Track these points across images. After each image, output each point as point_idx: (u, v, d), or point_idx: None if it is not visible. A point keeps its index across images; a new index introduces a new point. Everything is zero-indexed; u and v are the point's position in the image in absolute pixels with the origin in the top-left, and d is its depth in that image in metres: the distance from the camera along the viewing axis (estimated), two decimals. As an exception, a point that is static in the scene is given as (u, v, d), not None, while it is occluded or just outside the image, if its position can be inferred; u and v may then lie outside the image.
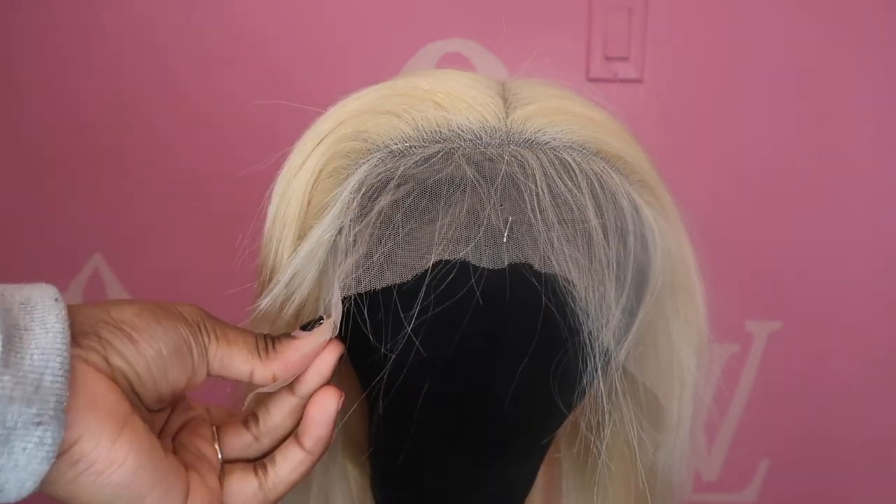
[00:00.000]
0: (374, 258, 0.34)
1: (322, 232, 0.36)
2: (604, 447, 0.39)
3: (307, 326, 0.34)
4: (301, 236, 0.37)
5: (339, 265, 0.35)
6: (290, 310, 0.37)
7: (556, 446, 0.45)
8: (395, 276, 0.33)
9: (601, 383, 0.35)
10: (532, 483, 0.42)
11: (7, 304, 0.26)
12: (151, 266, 1.02)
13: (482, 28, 0.97)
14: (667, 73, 0.98)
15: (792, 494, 1.05)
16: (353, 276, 0.34)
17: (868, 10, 0.96)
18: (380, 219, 0.34)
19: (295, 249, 0.37)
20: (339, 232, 0.35)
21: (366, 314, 0.35)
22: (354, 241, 0.34)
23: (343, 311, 0.34)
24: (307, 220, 0.37)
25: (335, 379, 0.40)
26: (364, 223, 0.34)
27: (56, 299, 0.27)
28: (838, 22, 0.96)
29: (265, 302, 0.37)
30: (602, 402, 0.36)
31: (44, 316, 0.26)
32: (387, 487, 0.41)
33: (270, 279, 0.38)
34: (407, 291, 0.33)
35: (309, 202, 0.37)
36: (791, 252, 1.00)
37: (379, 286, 0.34)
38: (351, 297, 0.34)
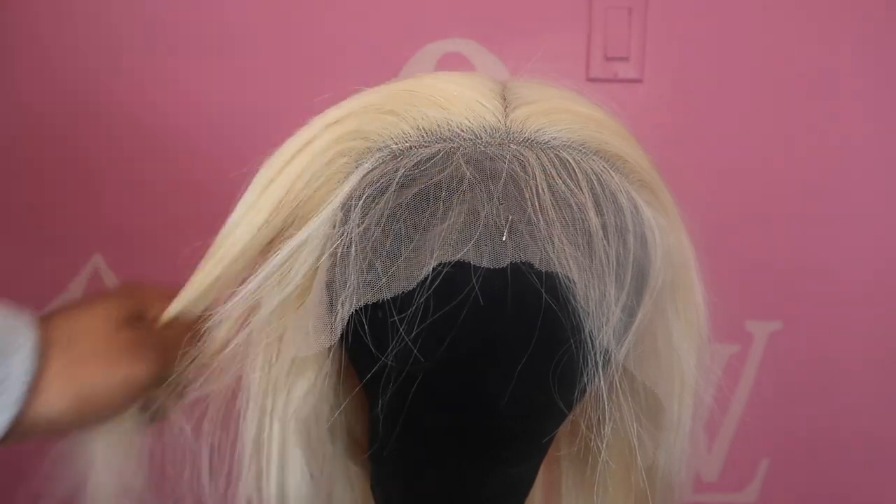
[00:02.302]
0: (378, 268, 0.34)
1: (319, 224, 0.36)
2: (604, 446, 0.39)
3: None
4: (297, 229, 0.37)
5: (345, 275, 0.35)
6: (284, 303, 0.37)
7: (556, 445, 0.45)
8: (399, 285, 0.33)
9: (601, 382, 0.35)
10: (532, 483, 0.42)
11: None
12: (151, 266, 1.01)
13: (482, 28, 0.97)
14: (667, 73, 0.98)
15: (792, 494, 1.05)
16: (357, 286, 0.34)
17: (868, 10, 0.96)
18: (380, 226, 0.34)
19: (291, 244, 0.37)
20: (341, 242, 0.35)
21: (366, 323, 0.35)
22: (356, 250, 0.34)
23: (346, 319, 0.34)
24: (308, 217, 0.37)
25: (332, 378, 0.40)
26: (366, 232, 0.34)
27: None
28: (838, 22, 0.96)
29: (251, 286, 0.37)
30: (602, 401, 0.36)
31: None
32: (387, 487, 0.41)
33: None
34: (409, 297, 0.33)
35: (307, 200, 0.37)
36: (791, 252, 1.00)
37: (383, 297, 0.34)
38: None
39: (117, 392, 0.37)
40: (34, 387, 0.34)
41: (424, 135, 0.36)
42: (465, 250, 0.32)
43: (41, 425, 0.35)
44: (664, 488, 0.44)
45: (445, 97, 0.37)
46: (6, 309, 0.36)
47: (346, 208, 0.36)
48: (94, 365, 0.37)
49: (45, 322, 0.37)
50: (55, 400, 0.35)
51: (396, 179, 0.35)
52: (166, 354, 0.39)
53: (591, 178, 0.35)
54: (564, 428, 0.43)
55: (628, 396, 0.38)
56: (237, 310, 0.39)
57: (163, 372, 0.39)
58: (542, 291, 0.33)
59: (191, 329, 0.40)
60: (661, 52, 0.97)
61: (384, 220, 0.34)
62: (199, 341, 0.39)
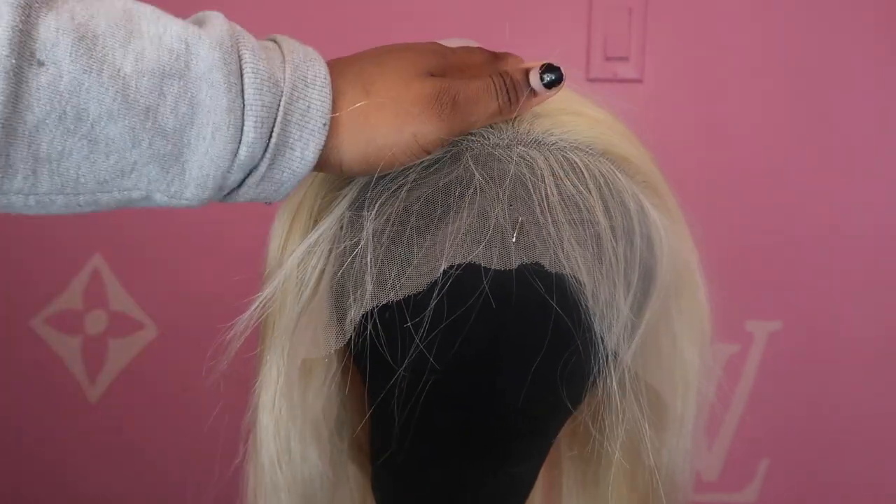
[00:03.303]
0: (388, 270, 0.34)
1: (328, 226, 0.36)
2: (617, 447, 0.39)
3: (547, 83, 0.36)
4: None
5: (354, 278, 0.35)
6: (298, 307, 0.37)
7: (556, 447, 0.45)
8: (409, 287, 0.33)
9: (613, 383, 0.36)
10: (532, 484, 0.42)
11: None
12: (151, 266, 1.01)
13: (482, 28, 0.97)
14: (667, 73, 0.98)
15: (792, 494, 1.05)
16: (366, 289, 0.34)
17: (868, 11, 0.96)
18: (390, 228, 0.34)
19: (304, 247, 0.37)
20: (350, 244, 0.35)
21: (372, 325, 0.35)
22: (365, 253, 0.34)
23: (356, 321, 0.34)
24: (318, 218, 0.37)
25: (339, 378, 0.40)
26: (375, 233, 0.34)
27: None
28: (838, 21, 0.96)
29: (268, 291, 0.37)
30: (616, 402, 0.36)
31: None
32: (388, 487, 0.41)
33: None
34: (418, 299, 0.33)
35: (321, 200, 0.38)
36: (791, 252, 1.00)
37: (393, 299, 0.34)
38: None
39: (403, 149, 0.33)
40: (330, 125, 0.32)
41: None
42: (475, 252, 0.32)
43: (332, 167, 0.33)
44: (668, 487, 0.44)
45: None
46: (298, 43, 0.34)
47: (354, 209, 0.36)
48: (384, 115, 0.33)
49: (336, 63, 0.34)
50: (346, 146, 0.32)
51: (408, 184, 0.35)
52: (465, 109, 0.34)
53: (598, 180, 0.35)
54: (566, 429, 0.43)
55: (632, 396, 0.38)
56: (255, 317, 0.38)
57: (455, 129, 0.34)
58: (552, 292, 0.33)
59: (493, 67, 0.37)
60: (661, 52, 0.97)
61: (393, 221, 0.34)
62: (219, 349, 0.39)
